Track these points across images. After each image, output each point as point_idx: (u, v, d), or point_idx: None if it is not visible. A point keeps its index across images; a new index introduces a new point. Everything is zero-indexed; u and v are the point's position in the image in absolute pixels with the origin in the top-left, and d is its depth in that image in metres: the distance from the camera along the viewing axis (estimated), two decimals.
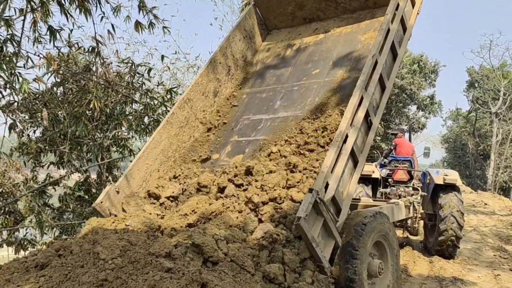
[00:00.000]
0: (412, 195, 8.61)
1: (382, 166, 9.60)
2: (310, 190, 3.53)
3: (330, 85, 5.56)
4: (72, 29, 8.62)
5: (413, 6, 5.78)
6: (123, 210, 4.72)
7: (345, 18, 6.50)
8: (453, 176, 8.32)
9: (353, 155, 4.38)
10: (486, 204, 20.99)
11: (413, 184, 8.88)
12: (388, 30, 5.04)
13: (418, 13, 5.88)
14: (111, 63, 9.77)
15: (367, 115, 4.61)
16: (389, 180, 9.12)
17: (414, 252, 8.87)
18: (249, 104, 6.13)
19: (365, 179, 8.82)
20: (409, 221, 8.41)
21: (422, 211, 8.73)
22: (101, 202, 4.55)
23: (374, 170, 8.97)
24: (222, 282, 2.56)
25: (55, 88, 9.21)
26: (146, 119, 10.45)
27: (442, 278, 6.84)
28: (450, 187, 8.29)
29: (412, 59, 29.59)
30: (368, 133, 4.74)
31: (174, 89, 10.67)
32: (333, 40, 6.29)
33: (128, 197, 4.86)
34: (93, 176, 11.06)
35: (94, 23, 8.10)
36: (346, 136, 4.18)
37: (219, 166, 5.34)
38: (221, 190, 4.59)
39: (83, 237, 2.80)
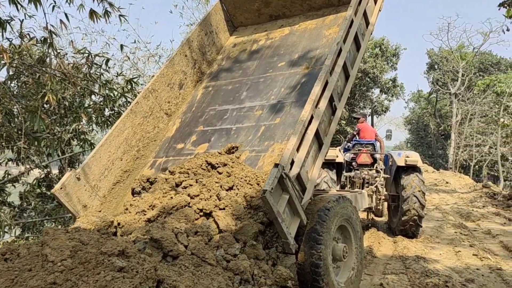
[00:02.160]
0: (375, 177, 8.78)
1: (346, 150, 9.72)
2: (276, 165, 3.55)
3: (295, 76, 5.70)
4: (23, 20, 8.22)
5: (375, 3, 6.09)
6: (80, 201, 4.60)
7: (310, 15, 6.71)
8: (414, 158, 8.54)
9: (318, 137, 4.47)
10: (447, 182, 21.72)
11: (376, 167, 9.03)
12: (352, 22, 5.26)
13: (380, 10, 6.21)
14: (66, 54, 9.43)
15: (331, 100, 4.73)
16: (353, 163, 9.24)
17: (379, 233, 9.07)
18: (215, 96, 6.20)
19: (329, 164, 8.91)
20: (373, 203, 8.61)
21: (386, 192, 8.94)
22: (61, 188, 4.43)
23: (338, 155, 9.08)
24: (180, 277, 2.50)
25: (8, 82, 8.82)
26: (106, 111, 10.19)
27: (405, 257, 7.02)
28: (411, 168, 8.52)
29: (374, 43, 30.00)
30: (332, 117, 4.86)
31: (135, 80, 10.40)
32: (298, 35, 6.46)
33: (91, 187, 4.75)
34: (55, 171, 10.75)
35: (45, 13, 7.73)
36: (312, 118, 4.25)
37: (184, 155, 5.35)
38: (179, 184, 4.51)
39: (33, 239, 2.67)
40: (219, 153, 4.90)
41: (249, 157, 4.85)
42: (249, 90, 5.93)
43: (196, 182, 4.43)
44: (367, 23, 5.86)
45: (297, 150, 4.01)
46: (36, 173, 10.42)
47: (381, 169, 8.94)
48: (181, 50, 6.35)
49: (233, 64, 6.64)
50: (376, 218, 10.40)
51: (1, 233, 8.53)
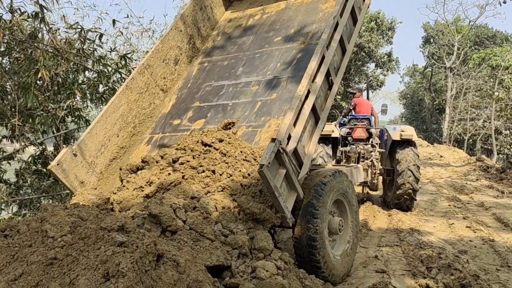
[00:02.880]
0: (370, 152, 8.83)
1: (342, 125, 9.73)
2: (273, 140, 3.57)
3: (291, 51, 5.65)
4: None
5: None
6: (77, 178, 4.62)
7: None
8: (409, 132, 8.58)
9: (314, 112, 4.47)
10: (441, 156, 21.89)
11: (371, 142, 9.08)
12: None
13: None
14: (58, 29, 9.27)
15: (328, 75, 4.72)
16: (349, 138, 9.26)
17: (374, 206, 9.19)
18: (211, 71, 6.15)
19: (324, 139, 8.92)
20: (368, 177, 8.68)
21: (381, 167, 9.01)
22: (57, 165, 4.42)
23: (334, 130, 9.09)
24: (179, 251, 2.53)
25: (0, 58, 8.69)
26: (101, 88, 10.09)
27: (400, 230, 7.12)
28: (406, 143, 8.58)
29: (369, 16, 29.69)
30: (329, 92, 4.85)
31: (128, 55, 10.28)
32: (294, 10, 6.38)
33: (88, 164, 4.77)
34: (50, 148, 10.71)
35: None
36: (308, 92, 4.25)
37: (180, 131, 5.35)
38: (176, 160, 4.51)
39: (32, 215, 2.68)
40: (217, 129, 4.88)
41: (245, 133, 4.85)
42: (245, 66, 5.88)
43: (193, 158, 4.43)
44: None
45: (294, 125, 4.02)
46: (31, 150, 10.39)
47: (377, 144, 8.98)
48: (175, 25, 6.26)
49: (229, 39, 6.55)
50: (371, 192, 10.51)
51: None
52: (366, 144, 9.03)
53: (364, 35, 28.42)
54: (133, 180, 4.32)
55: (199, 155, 4.46)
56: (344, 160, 9.06)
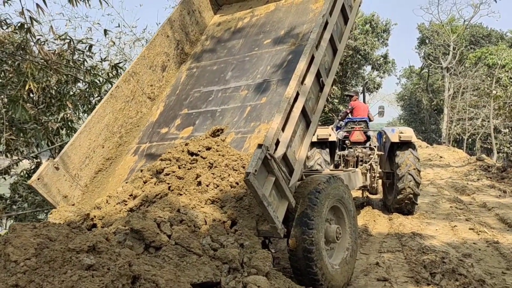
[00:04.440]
0: (369, 155, 8.64)
1: (338, 128, 9.56)
2: (260, 146, 3.36)
3: (281, 54, 5.49)
4: None
5: None
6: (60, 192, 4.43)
7: None
8: (408, 133, 8.36)
9: (305, 115, 4.29)
10: (441, 157, 21.73)
11: (370, 145, 8.89)
12: None
13: None
14: (46, 40, 9.12)
15: (319, 76, 4.54)
16: (346, 142, 9.06)
17: (374, 211, 8.99)
18: (200, 77, 5.98)
19: (322, 143, 8.74)
20: (367, 181, 8.49)
21: (380, 170, 8.81)
22: (38, 179, 4.23)
23: (331, 133, 8.87)
24: (160, 270, 2.33)
25: None
26: (93, 99, 9.94)
27: (401, 235, 6.92)
28: (406, 145, 8.37)
29: (364, 19, 29.66)
30: (320, 94, 4.66)
31: (120, 65, 10.12)
32: (284, 11, 6.22)
33: (71, 177, 4.57)
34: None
35: None
36: (298, 94, 4.05)
37: (168, 140, 5.18)
38: (161, 171, 4.30)
39: None
40: (205, 136, 4.69)
41: (234, 139, 4.66)
42: (234, 70, 5.70)
43: (179, 168, 4.23)
44: None
45: (283, 129, 3.82)
46: (26, 164, 10.23)
47: (375, 147, 8.79)
48: (162, 30, 6.07)
49: (218, 43, 6.39)
50: (371, 196, 10.32)
51: None
52: (364, 147, 8.84)
53: (360, 37, 28.33)
54: (115, 194, 4.12)
55: (185, 164, 4.27)
56: (342, 165, 8.87)
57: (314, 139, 8.43)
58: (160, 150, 5.07)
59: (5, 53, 8.57)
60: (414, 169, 8.12)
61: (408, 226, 7.55)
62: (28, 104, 8.45)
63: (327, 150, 8.89)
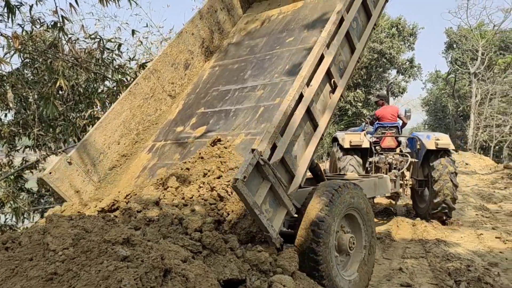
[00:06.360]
0: (401, 162, 8.29)
1: (369, 134, 9.32)
2: (252, 151, 3.19)
3: (301, 52, 5.30)
4: (32, 5, 8.13)
5: None
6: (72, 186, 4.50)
7: None
8: (445, 141, 8.05)
9: (311, 118, 4.08)
10: (467, 164, 21.29)
11: (401, 150, 8.61)
12: None
13: None
14: (78, 39, 9.34)
15: (330, 76, 4.33)
16: (377, 148, 8.77)
17: (398, 216, 8.88)
18: (220, 76, 5.92)
19: (355, 150, 8.46)
20: (399, 190, 8.16)
21: (412, 177, 8.50)
22: (50, 173, 4.28)
23: (364, 140, 8.54)
24: (190, 265, 2.38)
25: (22, 69, 8.81)
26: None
27: (425, 241, 6.84)
28: (442, 152, 8.04)
29: (390, 22, 29.37)
30: (331, 95, 4.41)
31: (147, 64, 10.28)
32: (311, 8, 6.05)
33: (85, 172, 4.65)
34: None
35: None
36: (301, 96, 3.85)
37: (181, 139, 5.16)
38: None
39: (34, 226, 2.58)
40: (194, 159, 4.52)
41: (243, 141, 4.51)
42: (253, 69, 5.57)
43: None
44: None
45: (281, 133, 3.60)
46: (54, 159, 10.46)
47: (408, 153, 8.47)
48: (187, 28, 6.01)
49: (242, 42, 6.29)
50: (393, 202, 10.20)
51: (20, 219, 8.62)
52: (396, 154, 8.53)
53: (385, 41, 28.07)
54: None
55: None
56: (373, 171, 8.51)
57: (347, 145, 8.31)
58: (173, 148, 5.05)
59: (37, 50, 8.81)
60: (452, 172, 7.85)
61: (432, 232, 7.44)
62: (57, 101, 8.67)
63: (359, 156, 8.61)
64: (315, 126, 4.15)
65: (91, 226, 2.41)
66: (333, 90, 4.43)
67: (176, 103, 5.87)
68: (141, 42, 14.21)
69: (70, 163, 4.50)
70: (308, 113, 3.99)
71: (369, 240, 4.41)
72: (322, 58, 4.14)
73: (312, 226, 3.64)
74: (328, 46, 4.23)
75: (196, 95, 5.83)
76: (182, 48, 5.97)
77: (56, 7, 7.67)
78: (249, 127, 4.66)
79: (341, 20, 4.45)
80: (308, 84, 3.95)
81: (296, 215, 3.78)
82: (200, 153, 4.49)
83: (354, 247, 4.13)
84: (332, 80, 4.37)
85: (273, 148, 3.50)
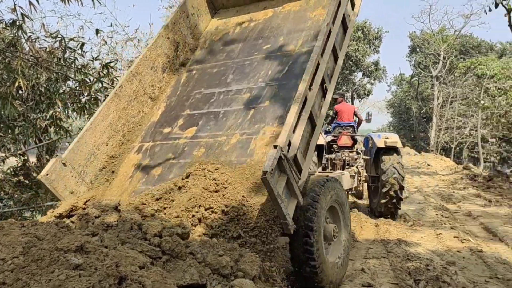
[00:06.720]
0: (356, 159, 8.85)
1: (327, 132, 9.67)
2: (275, 146, 3.55)
3: (281, 59, 5.62)
4: None
5: None
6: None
7: None
8: (394, 139, 8.69)
9: (311, 119, 4.44)
10: (429, 165, 21.94)
11: (356, 149, 9.14)
12: (340, 3, 5.23)
13: None
14: (38, 38, 9.07)
15: (323, 82, 4.69)
16: (334, 146, 9.29)
17: (361, 216, 9.04)
18: (200, 79, 6.09)
19: None
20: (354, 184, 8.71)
21: (366, 174, 9.07)
22: (47, 175, 4.38)
23: (320, 137, 9.05)
24: (148, 271, 2.34)
25: None
26: (83, 97, 9.88)
27: (387, 241, 6.98)
28: (391, 150, 8.69)
29: (356, 26, 29.88)
30: (323, 100, 4.84)
31: (111, 64, 10.09)
32: (282, 18, 6.33)
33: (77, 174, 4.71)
34: (33, 159, 10.44)
35: None
36: (306, 99, 4.22)
37: (171, 139, 5.31)
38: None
39: None
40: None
41: (240, 140, 4.77)
42: (235, 73, 5.82)
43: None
44: (353, 5, 5.85)
45: (293, 131, 4.00)
46: (13, 161, 10.14)
47: (361, 151, 9.06)
48: (163, 32, 6.21)
49: (217, 47, 6.49)
50: (358, 201, 10.42)
51: None
52: (351, 151, 9.06)
53: (351, 44, 28.58)
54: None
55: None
56: (329, 168, 9.07)
57: None
58: (164, 148, 5.20)
59: None
60: (398, 162, 8.45)
61: (394, 232, 7.62)
62: (17, 101, 8.40)
63: (315, 153, 9.05)
64: (313, 127, 4.56)
65: (43, 233, 2.33)
66: (324, 95, 4.84)
67: (157, 105, 5.99)
68: (106, 42, 13.99)
69: (64, 165, 4.61)
70: (309, 114, 4.33)
71: (347, 230, 4.96)
72: (318, 65, 4.53)
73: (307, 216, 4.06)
74: (322, 54, 4.64)
75: (178, 97, 5.96)
76: (159, 52, 6.14)
77: (15, 4, 7.45)
78: (243, 128, 4.93)
79: (329, 32, 4.87)
80: (309, 87, 4.34)
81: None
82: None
83: (337, 236, 4.63)
84: (324, 85, 4.78)
85: (289, 144, 3.88)
